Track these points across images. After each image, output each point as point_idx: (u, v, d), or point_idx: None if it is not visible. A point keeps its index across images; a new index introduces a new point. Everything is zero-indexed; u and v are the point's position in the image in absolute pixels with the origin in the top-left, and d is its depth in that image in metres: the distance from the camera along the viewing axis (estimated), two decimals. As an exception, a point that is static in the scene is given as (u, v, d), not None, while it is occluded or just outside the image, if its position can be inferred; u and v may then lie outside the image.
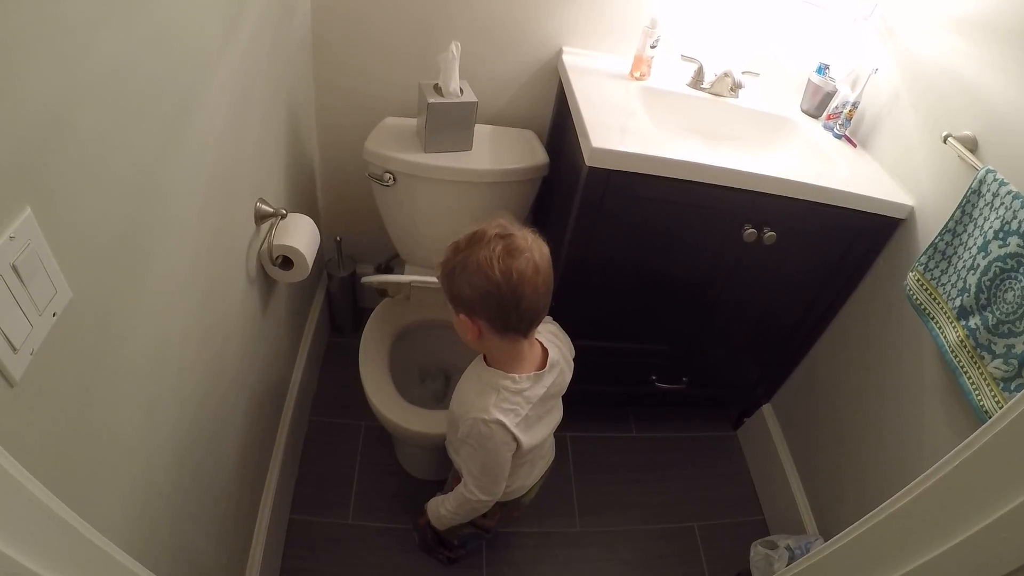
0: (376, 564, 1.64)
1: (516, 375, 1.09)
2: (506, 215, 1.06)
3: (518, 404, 1.09)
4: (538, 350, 1.15)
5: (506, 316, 1.02)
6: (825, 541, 1.26)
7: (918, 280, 1.33)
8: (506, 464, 1.12)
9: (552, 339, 1.20)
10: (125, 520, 0.80)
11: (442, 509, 1.26)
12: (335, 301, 2.11)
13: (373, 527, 1.71)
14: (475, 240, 1.01)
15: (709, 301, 1.67)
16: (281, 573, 1.58)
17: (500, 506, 1.33)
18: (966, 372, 1.18)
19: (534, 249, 1.01)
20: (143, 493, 0.85)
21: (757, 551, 1.62)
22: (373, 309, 1.71)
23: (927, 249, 1.30)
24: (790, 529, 1.77)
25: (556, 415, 1.26)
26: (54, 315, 0.59)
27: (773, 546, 1.61)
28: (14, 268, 0.52)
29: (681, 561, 1.79)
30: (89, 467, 0.70)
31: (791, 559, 1.54)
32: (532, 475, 1.31)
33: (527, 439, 1.11)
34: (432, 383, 1.80)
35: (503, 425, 1.06)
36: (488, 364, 1.13)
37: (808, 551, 1.48)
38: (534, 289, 1.00)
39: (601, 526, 1.83)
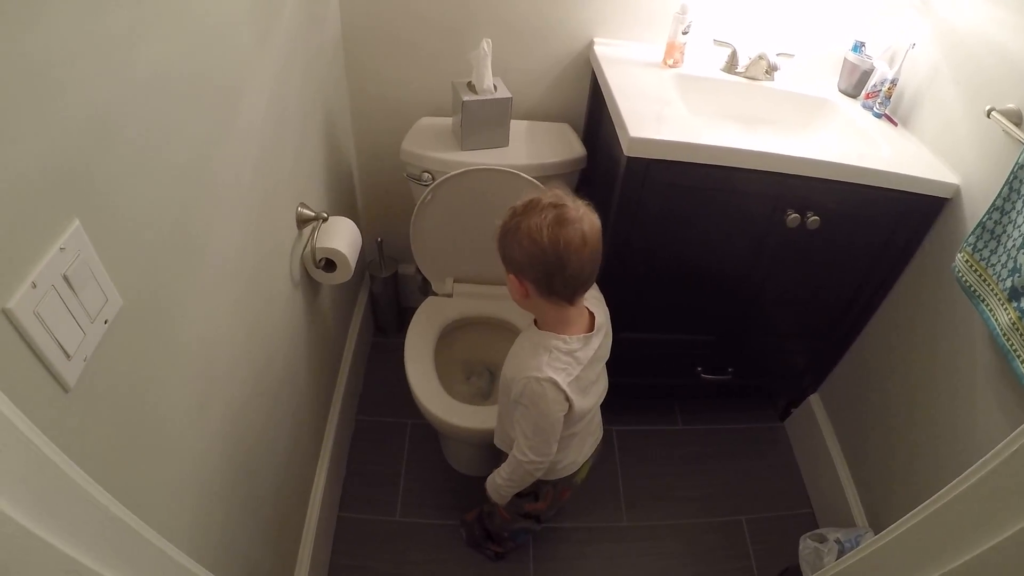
0: (423, 560, 1.70)
1: (566, 336, 1.15)
2: (561, 185, 1.10)
3: (569, 364, 1.14)
4: (586, 314, 1.21)
5: (550, 281, 1.08)
6: (875, 534, 1.25)
7: (967, 261, 1.30)
8: (558, 424, 1.16)
9: (596, 303, 1.25)
10: (179, 519, 0.84)
11: (498, 479, 1.31)
12: (378, 301, 2.18)
13: (420, 524, 1.77)
14: (530, 207, 1.07)
15: (754, 289, 1.68)
16: (330, 570, 1.64)
17: (552, 486, 1.37)
18: (1019, 356, 1.15)
19: (584, 220, 1.06)
20: (195, 492, 0.90)
21: (806, 544, 1.63)
22: (416, 308, 1.77)
23: (975, 228, 1.27)
24: (839, 522, 1.78)
25: (603, 383, 1.31)
26: (105, 322, 0.63)
27: (822, 539, 1.62)
28: (65, 278, 0.56)
29: (729, 555, 1.81)
30: (143, 468, 0.74)
31: (841, 553, 1.54)
32: (583, 451, 1.35)
33: (579, 400, 1.16)
34: (477, 380, 1.84)
35: (555, 383, 1.11)
36: (539, 328, 1.19)
37: (858, 544, 1.47)
38: (579, 259, 1.06)
39: (648, 520, 1.86)
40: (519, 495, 1.40)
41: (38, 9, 0.51)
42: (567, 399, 1.13)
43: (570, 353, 1.14)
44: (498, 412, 1.36)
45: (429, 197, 1.61)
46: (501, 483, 1.30)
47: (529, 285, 1.11)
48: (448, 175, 1.58)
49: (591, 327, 1.19)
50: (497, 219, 1.13)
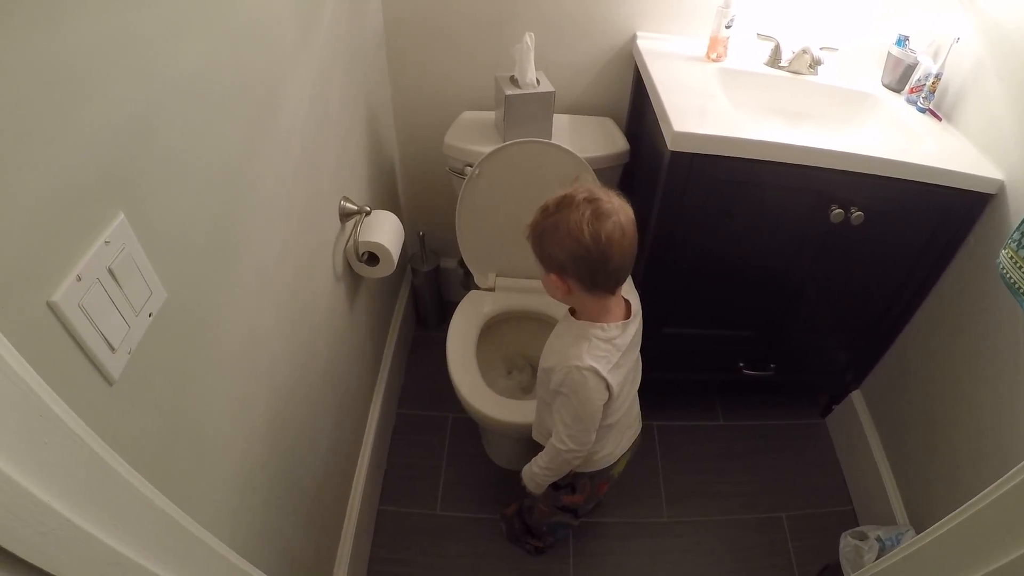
0: (463, 554, 1.81)
1: (604, 323, 1.21)
2: (591, 178, 1.18)
3: (608, 351, 1.20)
4: (622, 302, 1.28)
5: (595, 276, 1.14)
6: (916, 532, 1.30)
7: (1011, 258, 1.27)
8: (597, 413, 1.23)
9: (629, 290, 1.33)
10: (221, 512, 0.89)
11: (535, 467, 1.38)
12: (420, 295, 2.29)
13: (460, 517, 1.88)
14: (564, 204, 1.13)
15: (796, 285, 1.76)
16: (370, 563, 1.75)
17: (589, 478, 1.46)
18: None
19: (620, 212, 1.12)
20: (237, 485, 0.94)
21: (847, 542, 1.70)
22: (458, 302, 1.86)
23: (1020, 224, 1.26)
24: (880, 519, 1.84)
25: (639, 372, 1.39)
26: (150, 315, 0.66)
27: (863, 537, 1.68)
28: (110, 271, 0.59)
29: (769, 552, 1.89)
30: (186, 460, 0.78)
31: (882, 551, 1.61)
32: (620, 444, 1.42)
33: (619, 388, 1.23)
34: (519, 374, 1.94)
35: (596, 371, 1.17)
36: (577, 318, 1.27)
37: (899, 543, 1.56)
38: (621, 251, 1.12)
39: (688, 516, 1.95)
40: (556, 487, 1.49)
41: (65, 10, 0.52)
42: (607, 387, 1.20)
43: (609, 340, 1.21)
44: (536, 405, 1.44)
45: (477, 172, 1.68)
46: (538, 471, 1.37)
47: (572, 282, 1.17)
48: (498, 147, 1.65)
49: (627, 314, 1.27)
50: (536, 210, 1.18)
